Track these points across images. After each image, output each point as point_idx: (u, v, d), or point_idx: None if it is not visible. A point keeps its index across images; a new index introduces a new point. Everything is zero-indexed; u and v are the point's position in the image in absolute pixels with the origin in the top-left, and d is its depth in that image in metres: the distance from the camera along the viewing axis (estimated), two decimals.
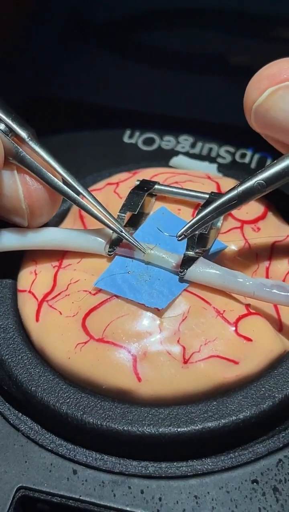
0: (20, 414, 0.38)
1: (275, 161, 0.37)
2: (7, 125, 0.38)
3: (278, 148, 0.41)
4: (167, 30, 0.59)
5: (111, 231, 0.40)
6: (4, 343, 0.39)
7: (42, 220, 0.40)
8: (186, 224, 0.38)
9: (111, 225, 0.39)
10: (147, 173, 0.44)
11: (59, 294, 0.39)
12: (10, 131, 0.38)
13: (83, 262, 0.40)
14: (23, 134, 0.38)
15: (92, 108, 0.55)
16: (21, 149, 0.38)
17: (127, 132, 0.53)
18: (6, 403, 0.38)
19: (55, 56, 0.60)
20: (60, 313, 0.38)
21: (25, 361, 0.38)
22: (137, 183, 0.42)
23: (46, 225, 0.42)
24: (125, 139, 0.53)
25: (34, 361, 0.38)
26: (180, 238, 0.38)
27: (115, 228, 0.39)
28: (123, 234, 0.39)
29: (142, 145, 0.52)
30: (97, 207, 0.39)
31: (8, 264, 0.41)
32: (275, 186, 0.37)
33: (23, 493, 0.35)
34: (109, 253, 0.40)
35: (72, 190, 0.39)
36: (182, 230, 0.38)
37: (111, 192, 0.43)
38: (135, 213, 0.41)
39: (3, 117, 0.38)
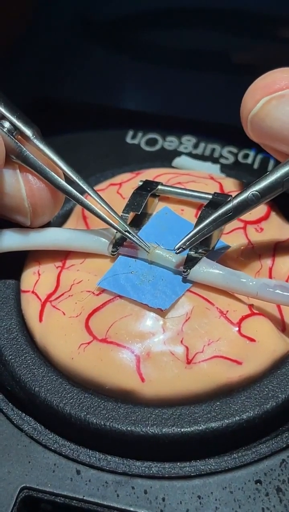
0: (24, 414, 0.38)
1: (269, 172, 0.38)
2: (12, 123, 0.38)
3: (275, 156, 0.41)
4: (170, 30, 0.58)
5: (114, 231, 0.40)
6: (8, 343, 0.39)
7: (44, 219, 0.40)
8: (184, 237, 0.38)
9: (115, 225, 0.39)
10: (149, 174, 0.44)
11: (62, 294, 0.39)
12: (15, 129, 0.38)
13: (87, 262, 0.40)
14: (28, 132, 0.38)
15: (95, 108, 0.55)
16: (24, 148, 0.38)
17: (130, 133, 0.53)
18: (10, 404, 0.38)
19: (58, 57, 0.60)
20: (64, 314, 0.38)
21: (29, 361, 0.38)
22: (141, 183, 0.43)
23: (49, 225, 0.42)
24: (128, 139, 0.53)
25: (37, 361, 0.38)
26: (178, 251, 0.38)
27: (120, 228, 0.39)
28: (127, 234, 0.39)
29: (145, 145, 0.52)
30: (103, 205, 0.39)
31: (11, 264, 0.41)
32: (270, 196, 0.38)
33: (27, 493, 0.35)
34: (113, 253, 0.40)
35: (78, 189, 0.39)
36: (180, 243, 0.38)
37: (114, 193, 0.43)
38: (139, 213, 0.41)
39: (8, 115, 0.38)
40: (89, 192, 0.39)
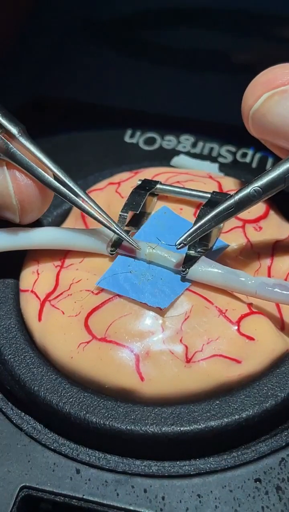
0: (23, 413, 0.38)
1: (271, 168, 0.38)
2: None
3: (276, 153, 0.41)
4: (168, 29, 0.59)
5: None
6: (7, 343, 0.39)
7: (33, 215, 0.40)
8: (185, 233, 0.38)
9: (99, 217, 0.38)
10: (148, 173, 0.44)
11: (61, 293, 0.39)
12: (0, 127, 0.38)
13: (86, 261, 0.40)
14: (13, 130, 0.38)
15: (94, 108, 0.55)
16: (11, 145, 0.38)
17: (129, 132, 0.53)
18: (9, 403, 0.38)
19: (56, 56, 0.60)
20: (63, 313, 0.38)
21: (28, 360, 0.38)
22: (139, 182, 0.43)
23: (48, 224, 0.42)
24: (127, 138, 0.53)
25: (36, 360, 0.38)
26: (179, 247, 0.38)
27: (102, 219, 0.38)
28: (111, 227, 0.38)
29: (144, 144, 0.52)
30: (90, 204, 0.38)
31: (10, 264, 0.41)
32: (272, 192, 0.38)
33: (26, 492, 0.35)
34: (111, 253, 0.40)
35: (64, 186, 0.39)
36: (181, 239, 0.38)
37: (113, 192, 0.43)
38: (137, 212, 0.41)
39: None
40: (77, 191, 0.38)
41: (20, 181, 0.38)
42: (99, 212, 0.39)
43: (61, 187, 0.39)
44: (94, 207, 0.39)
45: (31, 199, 0.39)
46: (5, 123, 0.38)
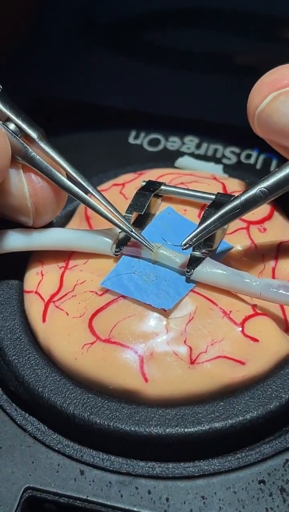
0: (27, 414, 0.38)
1: (278, 169, 0.38)
2: (17, 125, 0.38)
3: (282, 153, 0.41)
4: (172, 30, 0.59)
5: (118, 231, 0.40)
6: (11, 344, 0.39)
7: (47, 218, 0.40)
8: (190, 234, 0.38)
9: (121, 225, 0.39)
10: (152, 174, 0.44)
11: (65, 295, 0.39)
12: (20, 131, 0.38)
13: (90, 262, 0.40)
14: (33, 134, 0.39)
15: (98, 109, 0.55)
16: (30, 149, 0.38)
17: (133, 133, 0.53)
18: (13, 404, 0.38)
19: (60, 57, 0.60)
20: (67, 314, 0.38)
21: (32, 361, 0.38)
22: (144, 183, 0.43)
23: (52, 225, 0.42)
24: (131, 140, 0.53)
25: (41, 361, 0.38)
26: (184, 247, 0.38)
27: (125, 228, 0.39)
28: (133, 234, 0.39)
29: (148, 146, 0.52)
30: (107, 206, 0.39)
31: (14, 265, 0.41)
32: (278, 193, 0.38)
33: (31, 493, 0.35)
34: (116, 254, 0.40)
35: (82, 190, 0.39)
36: (187, 239, 0.38)
37: (117, 193, 0.43)
38: (142, 213, 0.41)
39: (13, 117, 0.38)
40: (94, 194, 0.39)
41: (36, 184, 0.39)
42: (120, 218, 0.39)
43: (80, 192, 0.39)
44: (114, 212, 0.39)
45: (46, 202, 0.39)
46: (25, 127, 0.38)
